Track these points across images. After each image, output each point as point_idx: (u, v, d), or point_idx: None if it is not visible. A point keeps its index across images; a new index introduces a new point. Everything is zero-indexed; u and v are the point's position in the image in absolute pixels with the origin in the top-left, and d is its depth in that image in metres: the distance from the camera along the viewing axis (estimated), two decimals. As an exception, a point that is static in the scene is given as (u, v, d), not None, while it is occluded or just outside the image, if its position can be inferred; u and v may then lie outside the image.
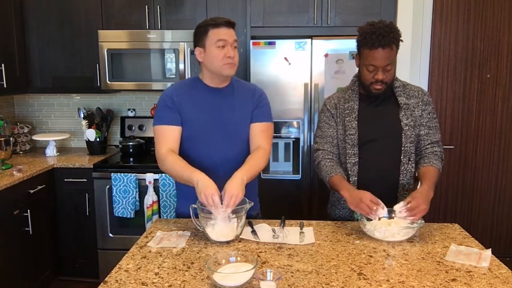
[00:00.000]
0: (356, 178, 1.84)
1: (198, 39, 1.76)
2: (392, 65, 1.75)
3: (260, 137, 1.84)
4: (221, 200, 1.56)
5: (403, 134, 1.81)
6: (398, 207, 1.63)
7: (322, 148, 1.91)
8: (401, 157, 1.82)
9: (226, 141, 1.81)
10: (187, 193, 1.80)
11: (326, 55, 2.92)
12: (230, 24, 1.74)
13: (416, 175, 1.87)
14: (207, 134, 1.80)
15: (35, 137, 3.46)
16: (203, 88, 1.83)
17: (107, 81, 3.20)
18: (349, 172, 1.84)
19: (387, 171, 1.84)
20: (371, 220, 1.63)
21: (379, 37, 1.68)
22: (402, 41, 1.76)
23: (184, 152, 1.82)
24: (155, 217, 2.93)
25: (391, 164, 1.84)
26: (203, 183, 1.57)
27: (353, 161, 1.84)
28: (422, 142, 1.85)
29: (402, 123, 1.81)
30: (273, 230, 1.66)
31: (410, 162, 1.83)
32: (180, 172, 1.69)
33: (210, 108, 1.81)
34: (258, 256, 1.47)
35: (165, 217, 2.92)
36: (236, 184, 1.59)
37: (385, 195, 1.68)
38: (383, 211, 1.62)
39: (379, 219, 1.63)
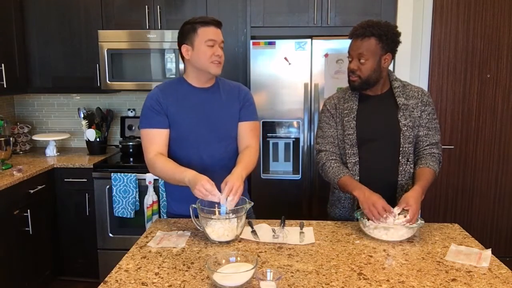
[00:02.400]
0: (358, 177, 1.83)
1: (185, 37, 1.75)
2: (367, 58, 1.75)
3: (249, 136, 1.87)
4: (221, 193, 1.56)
5: (401, 135, 1.81)
6: (396, 211, 1.62)
7: (324, 149, 1.90)
8: (400, 158, 1.82)
9: (215, 141, 1.82)
10: (173, 193, 1.85)
11: (326, 55, 2.92)
12: (218, 24, 1.76)
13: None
14: (195, 134, 1.80)
15: (35, 137, 3.46)
16: (189, 89, 1.82)
17: (107, 81, 3.20)
18: (351, 172, 1.84)
19: (386, 171, 1.84)
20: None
21: (356, 28, 1.77)
22: (385, 36, 1.74)
23: (173, 153, 1.83)
24: (155, 217, 2.92)
25: (390, 165, 1.84)
26: (193, 179, 1.57)
27: (353, 160, 1.84)
28: (421, 143, 1.85)
29: (400, 123, 1.81)
30: (273, 230, 1.66)
31: (408, 162, 1.83)
32: (172, 174, 1.69)
33: (197, 108, 1.81)
34: (258, 256, 1.47)
35: (165, 217, 2.91)
36: (238, 177, 1.60)
37: (384, 195, 1.68)
38: (392, 219, 1.59)
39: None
